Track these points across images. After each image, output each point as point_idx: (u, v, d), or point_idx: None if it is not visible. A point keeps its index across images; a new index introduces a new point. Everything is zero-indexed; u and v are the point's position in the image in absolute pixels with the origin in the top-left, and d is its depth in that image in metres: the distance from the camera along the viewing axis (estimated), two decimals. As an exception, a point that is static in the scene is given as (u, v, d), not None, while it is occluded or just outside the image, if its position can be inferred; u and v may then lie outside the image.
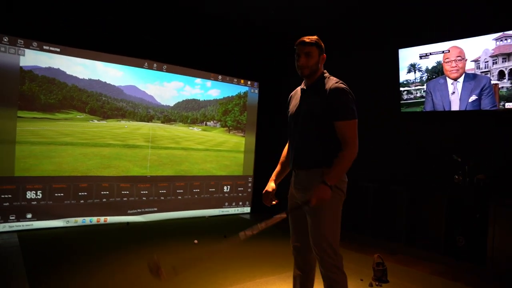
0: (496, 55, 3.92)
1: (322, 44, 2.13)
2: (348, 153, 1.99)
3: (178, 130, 5.64)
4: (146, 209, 5.20)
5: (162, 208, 5.34)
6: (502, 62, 3.89)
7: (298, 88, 2.29)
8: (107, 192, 4.88)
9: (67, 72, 4.59)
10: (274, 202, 2.30)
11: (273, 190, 2.30)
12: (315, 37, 2.10)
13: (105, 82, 4.89)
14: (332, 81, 2.07)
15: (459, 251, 3.99)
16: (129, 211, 5.04)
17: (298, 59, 2.10)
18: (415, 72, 4.64)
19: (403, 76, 4.75)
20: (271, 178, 2.35)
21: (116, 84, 4.99)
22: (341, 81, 2.07)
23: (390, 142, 5.01)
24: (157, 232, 4.65)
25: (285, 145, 2.39)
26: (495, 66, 3.94)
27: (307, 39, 2.08)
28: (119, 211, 4.95)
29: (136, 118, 5.21)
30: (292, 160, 2.18)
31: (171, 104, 5.53)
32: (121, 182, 4.98)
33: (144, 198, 5.18)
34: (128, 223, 4.94)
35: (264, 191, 2.30)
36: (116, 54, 4.91)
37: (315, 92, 2.10)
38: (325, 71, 2.17)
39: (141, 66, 5.16)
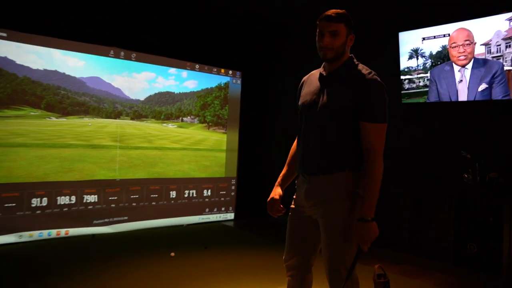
0: (510, 38, 3.67)
1: (352, 21, 1.83)
2: (375, 174, 1.74)
3: (151, 127, 5.36)
4: (115, 218, 4.86)
5: (133, 216, 5.01)
6: (517, 45, 3.66)
7: (314, 72, 2.00)
8: (69, 200, 4.52)
9: (17, 62, 4.23)
10: (281, 213, 2.03)
11: (280, 197, 2.04)
12: (343, 11, 1.81)
13: (64, 73, 4.57)
14: (365, 70, 1.81)
15: (471, 260, 3.79)
16: (94, 221, 4.69)
17: (322, 39, 1.81)
18: (417, 58, 4.38)
19: (404, 63, 4.49)
20: (276, 183, 2.09)
21: (77, 76, 4.68)
22: (374, 73, 1.82)
23: (390, 137, 4.63)
24: (128, 245, 4.37)
25: (288, 142, 2.15)
26: (508, 50, 3.69)
27: (333, 13, 1.78)
28: (83, 222, 4.59)
29: (102, 114, 4.91)
30: (306, 162, 1.88)
31: (142, 98, 5.24)
32: (86, 187, 4.63)
33: (112, 206, 4.84)
34: (93, 235, 4.58)
35: (269, 199, 2.05)
36: (76, 41, 4.55)
37: (340, 80, 1.83)
38: (352, 55, 1.90)
39: (106, 55, 4.83)
